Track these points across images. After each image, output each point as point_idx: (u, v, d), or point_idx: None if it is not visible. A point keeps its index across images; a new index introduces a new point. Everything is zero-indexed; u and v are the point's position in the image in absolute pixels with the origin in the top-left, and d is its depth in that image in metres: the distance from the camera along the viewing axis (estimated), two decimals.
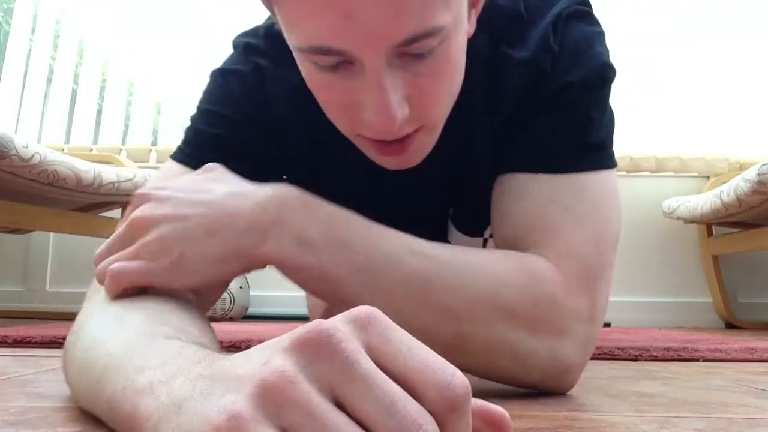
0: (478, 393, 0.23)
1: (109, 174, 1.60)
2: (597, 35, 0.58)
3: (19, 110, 2.33)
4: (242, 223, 0.46)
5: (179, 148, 0.61)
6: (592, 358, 0.55)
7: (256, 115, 0.60)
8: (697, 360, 0.94)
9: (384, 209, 0.67)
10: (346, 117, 0.50)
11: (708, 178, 2.23)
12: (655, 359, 0.93)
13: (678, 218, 2.04)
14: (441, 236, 0.70)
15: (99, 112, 2.45)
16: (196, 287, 0.46)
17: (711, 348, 1.00)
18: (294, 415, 0.20)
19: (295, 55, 0.48)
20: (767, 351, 0.99)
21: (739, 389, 0.62)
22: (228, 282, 0.55)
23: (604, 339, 1.23)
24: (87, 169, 1.52)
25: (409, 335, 0.23)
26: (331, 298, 0.50)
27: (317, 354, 0.21)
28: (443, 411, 0.21)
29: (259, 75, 0.61)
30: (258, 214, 0.46)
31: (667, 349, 0.98)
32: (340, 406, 0.21)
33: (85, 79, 2.44)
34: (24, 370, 0.66)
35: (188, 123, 0.63)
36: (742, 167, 2.12)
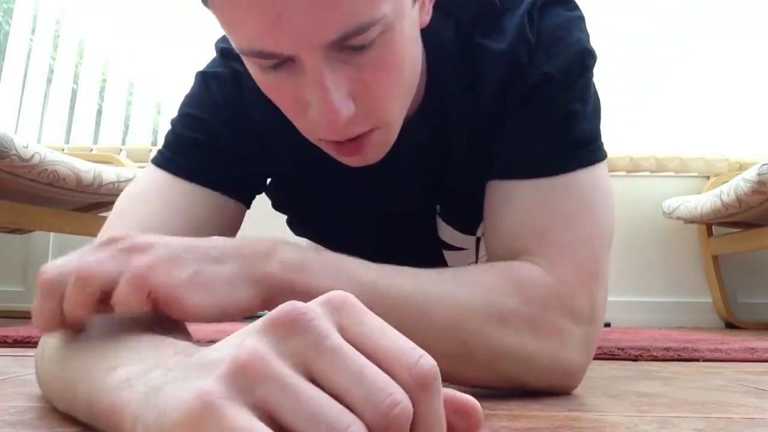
0: (477, 396, 0.23)
1: (109, 174, 1.60)
2: (575, 20, 0.56)
3: (19, 110, 2.32)
4: (245, 251, 0.45)
5: (160, 153, 0.61)
6: (592, 358, 0.55)
7: (236, 120, 0.60)
8: (697, 360, 0.94)
9: (369, 210, 0.68)
10: (300, 118, 0.49)
11: (708, 178, 2.23)
12: (655, 359, 0.93)
13: (678, 218, 2.04)
14: (429, 234, 0.70)
15: (99, 112, 2.45)
16: (210, 313, 0.41)
17: (711, 348, 1.00)
18: (266, 389, 0.21)
19: (243, 58, 0.47)
20: (767, 351, 0.99)
21: (739, 389, 0.62)
22: (235, 316, 0.48)
23: (604, 339, 1.23)
24: (87, 169, 1.52)
25: (381, 320, 0.24)
26: None
27: (289, 331, 0.22)
28: (412, 388, 0.22)
29: (238, 81, 0.61)
30: (257, 243, 0.46)
31: (667, 349, 0.98)
32: (313, 381, 0.21)
33: (85, 79, 2.44)
34: (24, 370, 0.66)
35: (169, 128, 0.63)
36: (742, 167, 2.12)
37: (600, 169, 0.55)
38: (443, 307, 0.49)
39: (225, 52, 0.62)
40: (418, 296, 0.49)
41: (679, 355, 0.95)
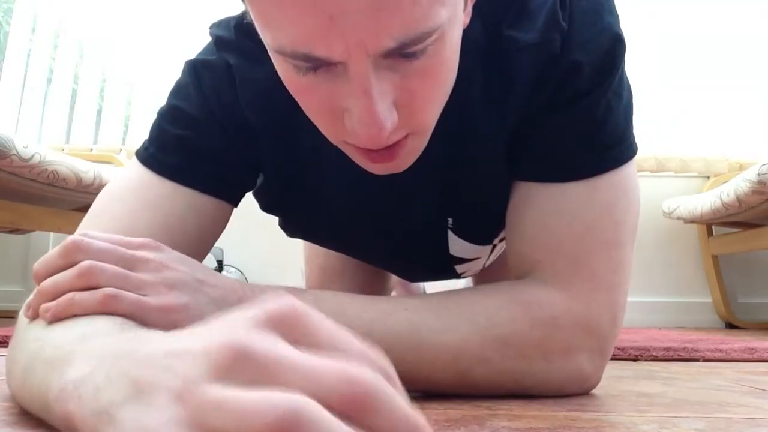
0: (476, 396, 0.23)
1: (109, 174, 1.60)
2: (606, 3, 0.52)
3: (19, 110, 2.32)
4: (236, 284, 0.47)
5: (144, 148, 0.58)
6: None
7: (226, 115, 0.57)
8: (697, 360, 0.94)
9: (372, 219, 0.64)
10: (331, 123, 0.45)
11: (708, 178, 2.23)
12: (655, 359, 0.93)
13: (678, 218, 2.04)
14: (439, 249, 0.67)
15: (99, 112, 2.45)
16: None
17: (711, 348, 1.00)
18: (212, 419, 0.20)
19: (271, 54, 0.43)
20: (767, 351, 0.99)
21: (739, 389, 0.62)
22: None
23: None
24: (87, 169, 1.52)
25: (330, 324, 0.24)
26: None
27: (233, 367, 0.21)
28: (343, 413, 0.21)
29: (230, 73, 0.57)
30: (251, 289, 0.48)
31: (667, 349, 0.98)
32: None
33: (85, 79, 2.44)
34: None
35: (156, 116, 0.60)
36: (742, 167, 2.12)
37: (628, 168, 0.54)
38: (442, 341, 0.49)
39: (219, 41, 0.59)
40: (414, 334, 0.49)
41: (679, 355, 0.95)
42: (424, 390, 0.51)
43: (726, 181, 1.80)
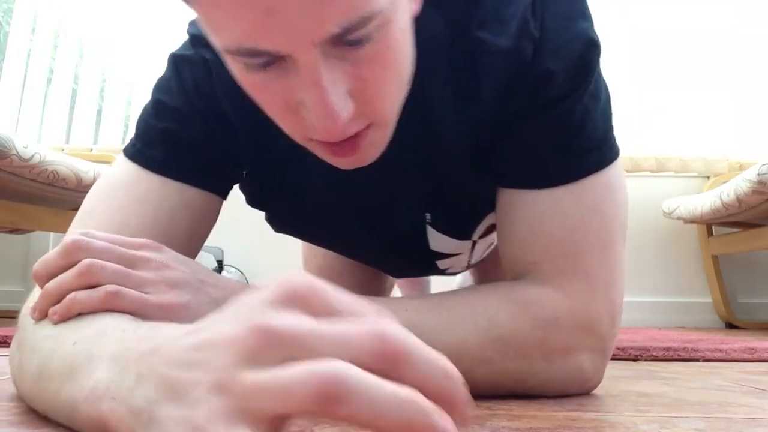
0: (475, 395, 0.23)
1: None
2: (578, 5, 0.52)
3: (19, 110, 2.33)
4: (237, 285, 0.47)
5: (131, 143, 0.59)
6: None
7: (206, 108, 0.57)
8: (697, 360, 0.94)
9: (351, 216, 0.64)
10: (291, 121, 0.45)
11: (708, 178, 2.23)
12: (655, 359, 0.93)
13: (678, 218, 2.05)
14: (420, 245, 0.67)
15: (99, 112, 2.45)
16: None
17: (711, 348, 1.00)
18: (258, 400, 0.21)
19: (223, 57, 0.43)
20: (767, 351, 0.99)
21: (739, 389, 0.62)
22: None
23: None
24: (87, 169, 1.52)
25: (343, 293, 0.24)
26: None
27: (265, 348, 0.22)
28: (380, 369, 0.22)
29: (207, 68, 0.57)
30: (242, 284, 0.49)
31: (667, 349, 0.98)
32: None
33: (85, 79, 2.44)
34: None
35: (140, 112, 0.60)
36: (742, 167, 2.12)
37: (613, 169, 0.54)
38: (442, 342, 0.48)
39: (194, 38, 0.59)
40: (411, 330, 0.47)
41: (679, 355, 0.95)
42: None
43: (726, 181, 1.80)
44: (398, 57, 0.44)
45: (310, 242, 0.78)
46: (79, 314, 0.40)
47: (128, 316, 0.40)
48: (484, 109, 0.53)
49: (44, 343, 0.38)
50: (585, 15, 0.52)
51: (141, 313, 0.41)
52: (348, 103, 0.42)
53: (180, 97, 0.58)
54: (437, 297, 0.53)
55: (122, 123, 2.45)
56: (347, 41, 0.39)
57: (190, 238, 0.57)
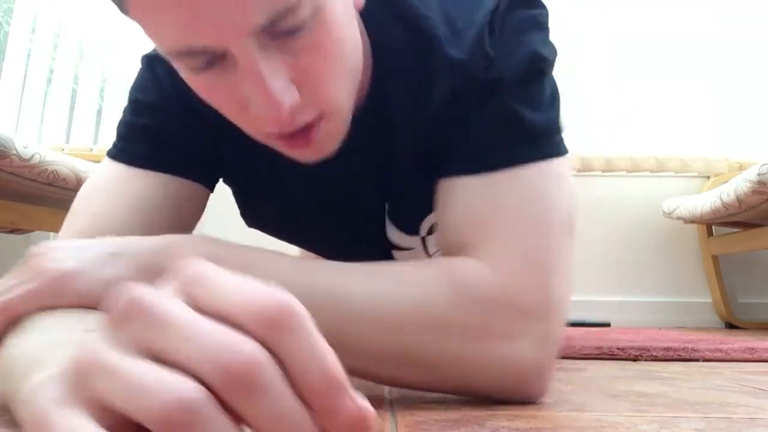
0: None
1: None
2: (534, 18, 0.54)
3: (19, 110, 2.32)
4: (140, 246, 0.44)
5: (114, 144, 0.60)
6: (592, 358, 0.54)
7: (183, 102, 0.58)
8: (697, 360, 0.94)
9: (317, 208, 0.66)
10: (243, 118, 0.46)
11: (708, 178, 2.23)
12: (655, 359, 0.93)
13: (678, 218, 2.05)
14: (379, 233, 0.68)
15: (99, 112, 2.45)
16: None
17: (711, 348, 1.00)
18: (99, 381, 0.20)
19: (171, 63, 0.45)
20: (767, 351, 0.99)
21: (739, 389, 0.62)
22: None
23: (604, 339, 1.23)
24: (87, 169, 1.52)
25: (239, 278, 0.22)
26: None
27: (126, 319, 0.21)
28: (266, 334, 0.20)
29: None
30: (161, 239, 0.45)
31: (667, 349, 0.98)
32: (159, 360, 0.20)
33: (85, 79, 2.44)
34: None
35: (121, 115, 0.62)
36: (742, 167, 2.12)
37: (555, 164, 0.52)
38: (375, 306, 0.46)
39: None
40: (340, 291, 0.45)
41: (679, 355, 0.95)
42: (353, 368, 0.48)
43: (726, 181, 1.80)
44: (338, 45, 0.45)
45: (278, 238, 0.79)
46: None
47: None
48: (434, 109, 0.54)
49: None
50: (539, 27, 0.54)
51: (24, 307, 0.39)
52: (291, 92, 0.42)
53: (156, 93, 0.59)
54: (370, 263, 0.50)
55: None
56: (282, 31, 0.40)
57: (176, 230, 0.56)
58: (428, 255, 0.76)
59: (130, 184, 0.57)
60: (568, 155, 0.54)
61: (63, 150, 2.13)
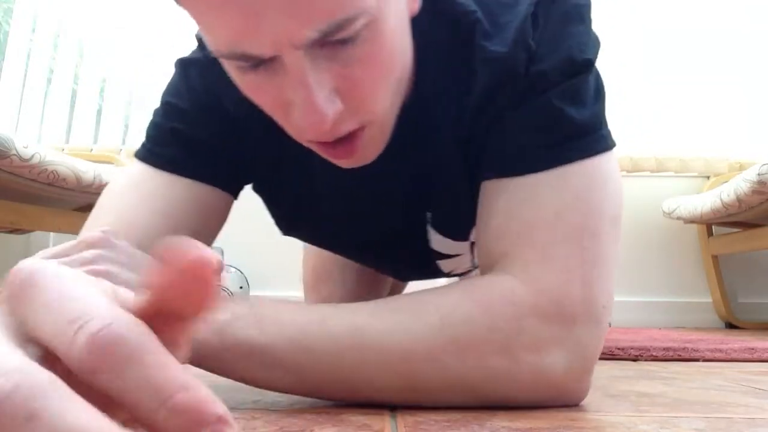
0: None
1: (109, 174, 1.60)
2: (576, 10, 0.52)
3: (19, 110, 2.32)
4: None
5: (142, 145, 0.60)
6: (596, 359, 0.52)
7: (215, 108, 0.58)
8: (697, 360, 0.94)
9: (356, 217, 0.64)
10: (285, 120, 0.46)
11: (708, 178, 2.23)
12: (655, 359, 0.93)
13: (678, 218, 2.04)
14: (421, 244, 0.67)
15: (99, 112, 2.45)
16: None
17: (711, 348, 1.00)
18: None
19: (219, 60, 0.45)
20: (767, 351, 0.99)
21: (739, 389, 0.62)
22: None
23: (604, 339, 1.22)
24: (87, 169, 1.52)
25: (58, 293, 0.19)
26: (271, 376, 0.46)
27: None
28: (82, 371, 0.17)
29: (214, 70, 0.57)
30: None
31: (667, 349, 0.98)
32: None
33: (85, 79, 2.44)
34: None
35: (151, 117, 0.61)
36: (742, 167, 2.12)
37: (602, 160, 0.50)
38: (387, 341, 0.45)
39: (202, 41, 0.60)
40: (356, 335, 0.45)
41: (679, 355, 0.95)
42: (370, 401, 0.47)
43: (726, 181, 1.80)
44: (389, 56, 0.44)
45: (315, 245, 0.78)
46: None
47: None
48: (474, 106, 0.52)
49: None
50: (583, 18, 0.52)
51: None
52: (335, 102, 0.42)
53: (189, 97, 0.59)
54: (392, 299, 0.50)
55: (122, 123, 2.45)
56: (335, 41, 0.40)
57: (199, 235, 0.57)
58: (473, 262, 0.74)
59: (157, 187, 0.56)
60: (614, 148, 0.52)
61: (63, 150, 2.13)
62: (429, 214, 0.64)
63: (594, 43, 0.53)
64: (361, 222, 0.65)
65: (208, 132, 0.58)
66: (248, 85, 0.44)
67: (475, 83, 0.52)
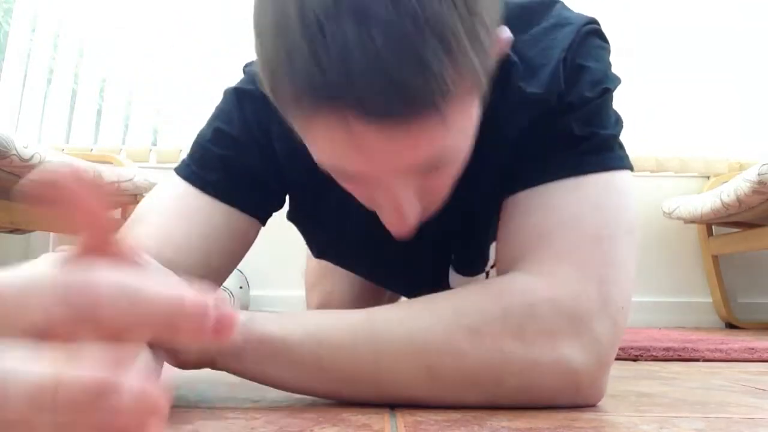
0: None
1: (109, 174, 1.60)
2: (601, 50, 0.55)
3: (19, 110, 2.33)
4: None
5: (185, 164, 0.61)
6: (611, 361, 0.52)
7: (264, 141, 0.60)
8: (697, 360, 0.94)
9: (385, 258, 0.68)
10: (367, 204, 0.50)
11: (708, 178, 2.23)
12: (655, 359, 0.93)
13: (678, 218, 2.05)
14: (440, 280, 0.71)
15: (99, 112, 2.45)
16: None
17: (711, 348, 1.00)
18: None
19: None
20: (767, 351, 0.99)
21: (739, 389, 0.62)
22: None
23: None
24: (87, 169, 1.52)
25: None
26: (291, 372, 0.48)
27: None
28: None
29: (266, 105, 0.57)
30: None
31: (667, 349, 0.98)
32: None
33: (85, 79, 2.44)
34: None
35: (196, 137, 0.63)
36: (742, 167, 2.12)
37: (618, 176, 0.52)
38: (402, 332, 0.46)
39: (256, 75, 0.61)
40: (368, 327, 0.47)
41: (679, 355, 0.95)
42: (393, 397, 0.47)
43: (726, 181, 1.80)
44: (463, 161, 0.48)
45: (343, 267, 0.85)
46: None
47: None
48: (513, 148, 0.55)
49: None
50: (603, 57, 0.56)
51: None
52: (416, 209, 0.47)
53: (240, 126, 0.60)
54: (403, 301, 0.54)
55: (122, 123, 2.45)
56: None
57: (228, 258, 0.60)
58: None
59: (196, 206, 0.58)
60: (631, 171, 0.55)
61: (63, 150, 2.13)
62: (453, 256, 0.68)
63: (613, 78, 0.55)
64: (389, 263, 0.70)
65: (255, 163, 0.60)
66: (343, 180, 0.48)
67: (513, 122, 0.54)
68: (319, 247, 0.74)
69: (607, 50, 0.57)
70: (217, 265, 0.58)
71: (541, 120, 0.53)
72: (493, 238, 0.63)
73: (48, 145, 1.98)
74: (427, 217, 0.50)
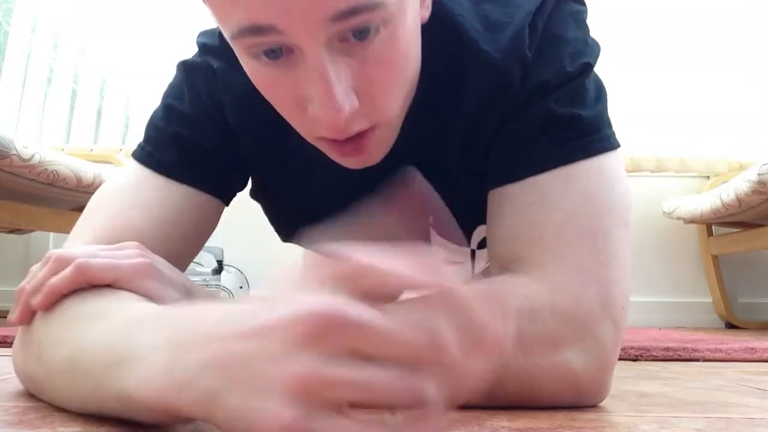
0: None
1: (109, 174, 1.60)
2: (576, 16, 0.53)
3: (19, 110, 2.32)
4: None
5: (140, 147, 0.60)
6: (615, 361, 0.51)
7: (217, 114, 0.58)
8: (697, 360, 0.94)
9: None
10: (299, 116, 0.46)
11: (708, 178, 2.23)
12: (655, 359, 0.93)
13: (678, 218, 2.05)
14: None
15: (99, 112, 2.45)
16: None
17: (711, 348, 1.00)
18: (337, 393, 0.23)
19: (236, 51, 0.45)
20: (767, 351, 0.99)
21: (739, 389, 0.62)
22: None
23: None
24: (87, 169, 1.52)
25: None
26: None
27: (329, 332, 0.24)
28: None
29: (215, 77, 0.58)
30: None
31: (667, 349, 0.98)
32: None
33: (85, 79, 2.44)
34: None
35: (149, 118, 0.61)
36: (742, 167, 2.12)
37: (608, 159, 0.51)
38: None
39: (203, 46, 0.60)
40: None
41: (679, 355, 0.95)
42: None
43: (726, 181, 1.80)
44: (405, 57, 0.45)
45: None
46: (73, 299, 0.40)
47: (134, 296, 0.41)
48: (473, 111, 0.53)
49: (67, 334, 0.38)
50: (580, 22, 0.53)
51: (112, 279, 0.41)
52: (352, 98, 0.43)
53: (192, 102, 0.58)
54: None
55: (122, 123, 2.45)
56: (352, 34, 0.41)
57: (191, 240, 0.58)
58: (473, 272, 0.74)
59: (153, 189, 0.56)
60: (619, 149, 0.53)
61: (63, 150, 2.13)
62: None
63: (592, 47, 0.53)
64: None
65: (210, 139, 0.58)
66: (264, 78, 0.45)
67: (472, 85, 0.52)
68: (285, 224, 0.70)
69: (584, 12, 0.54)
70: (179, 248, 0.55)
71: (506, 92, 0.51)
72: (479, 222, 0.60)
73: (48, 145, 1.98)
74: (377, 132, 0.47)
